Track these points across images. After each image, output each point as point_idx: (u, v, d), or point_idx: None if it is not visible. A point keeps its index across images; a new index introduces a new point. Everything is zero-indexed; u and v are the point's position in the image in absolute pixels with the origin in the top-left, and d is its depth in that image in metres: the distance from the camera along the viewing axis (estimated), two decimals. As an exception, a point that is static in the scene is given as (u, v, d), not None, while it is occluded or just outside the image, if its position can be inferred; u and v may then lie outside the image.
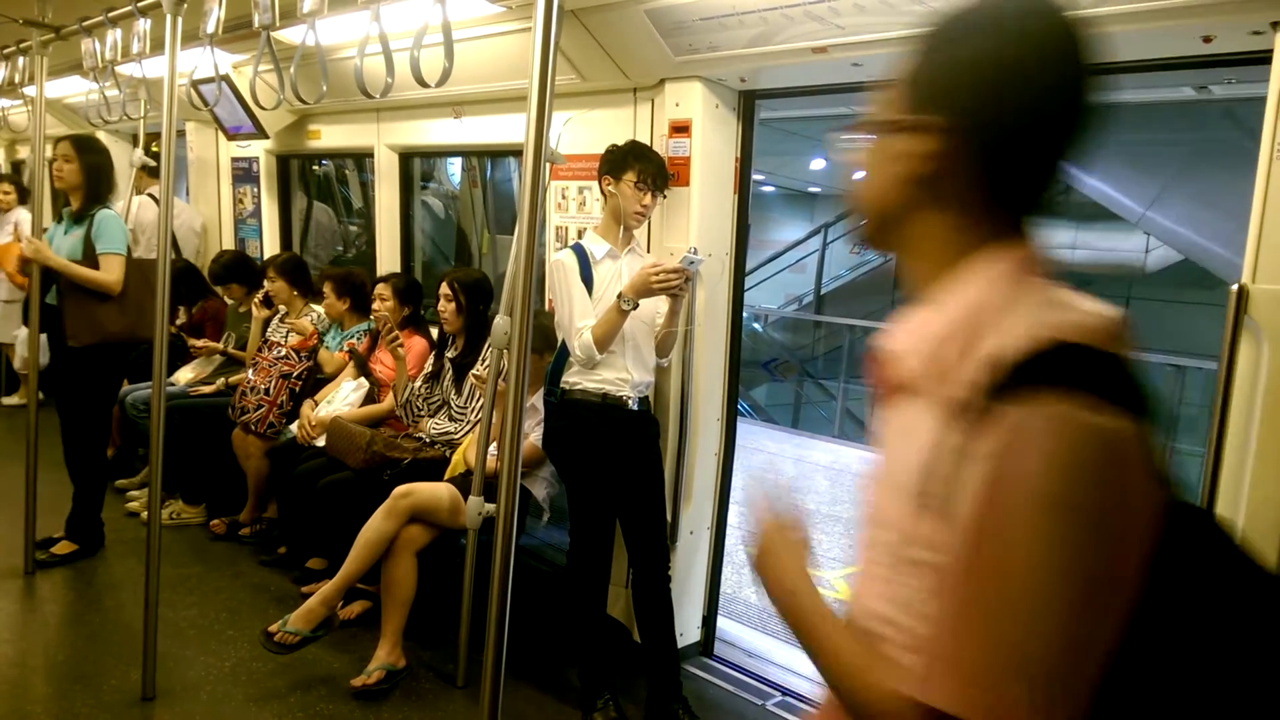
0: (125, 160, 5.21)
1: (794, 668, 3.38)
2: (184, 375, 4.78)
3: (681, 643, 3.28)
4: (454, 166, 5.89)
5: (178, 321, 4.98)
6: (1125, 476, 0.72)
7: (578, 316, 2.81)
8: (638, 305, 2.74)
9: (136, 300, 3.76)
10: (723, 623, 3.54)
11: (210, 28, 2.97)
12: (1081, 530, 0.70)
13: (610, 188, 2.88)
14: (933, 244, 0.88)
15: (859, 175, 0.91)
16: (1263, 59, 1.95)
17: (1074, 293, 0.82)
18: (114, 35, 3.44)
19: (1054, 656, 0.70)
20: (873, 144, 0.90)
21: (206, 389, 4.61)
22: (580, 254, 2.88)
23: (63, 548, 3.94)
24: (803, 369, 11.18)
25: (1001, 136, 0.82)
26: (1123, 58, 2.31)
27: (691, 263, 2.77)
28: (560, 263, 2.87)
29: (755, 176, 3.38)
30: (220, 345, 4.80)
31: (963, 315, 0.83)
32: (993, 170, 0.83)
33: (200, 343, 4.77)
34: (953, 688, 0.73)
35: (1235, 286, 1.94)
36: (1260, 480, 1.93)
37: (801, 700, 3.14)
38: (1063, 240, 9.64)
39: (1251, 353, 1.94)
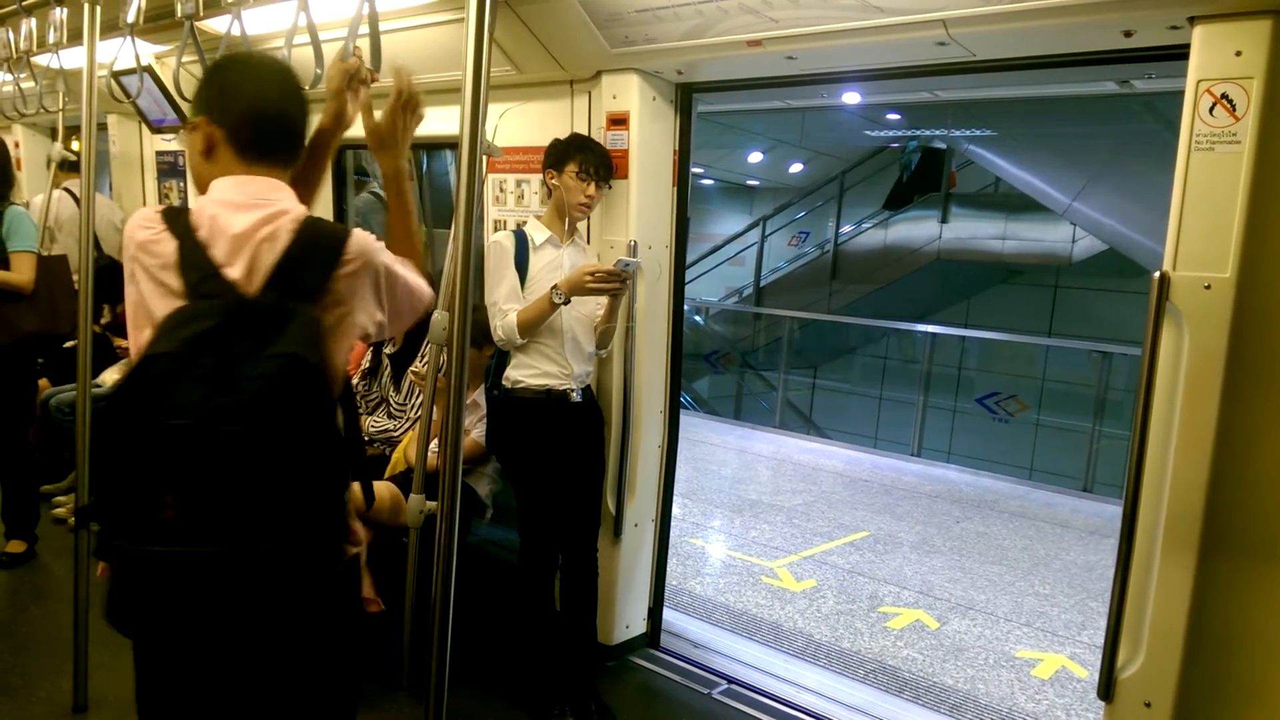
0: (42, 155, 5.05)
1: (739, 657, 3.42)
2: (110, 376, 4.62)
3: (628, 635, 3.29)
4: (389, 160, 5.79)
5: (102, 321, 4.83)
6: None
7: (503, 299, 2.80)
8: (569, 301, 2.73)
9: (48, 297, 3.67)
10: (669, 614, 3.55)
11: (130, 17, 2.87)
12: None
13: (553, 181, 2.87)
14: (209, 179, 1.56)
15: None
16: (1180, 54, 2.00)
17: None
18: (28, 24, 3.31)
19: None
20: (187, 137, 1.58)
21: (134, 390, 4.47)
22: (520, 238, 2.87)
23: (14, 546, 3.91)
24: (743, 360, 11.27)
25: (235, 124, 1.53)
26: (1047, 52, 2.37)
27: (627, 264, 2.76)
28: (498, 243, 2.85)
29: (694, 169, 3.38)
30: (148, 345, 4.65)
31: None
32: (237, 140, 1.53)
33: (126, 342, 4.62)
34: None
35: (1157, 274, 2.01)
36: (1183, 461, 2.00)
37: (747, 688, 3.17)
38: (993, 231, 9.87)
39: (1173, 338, 2.01)
